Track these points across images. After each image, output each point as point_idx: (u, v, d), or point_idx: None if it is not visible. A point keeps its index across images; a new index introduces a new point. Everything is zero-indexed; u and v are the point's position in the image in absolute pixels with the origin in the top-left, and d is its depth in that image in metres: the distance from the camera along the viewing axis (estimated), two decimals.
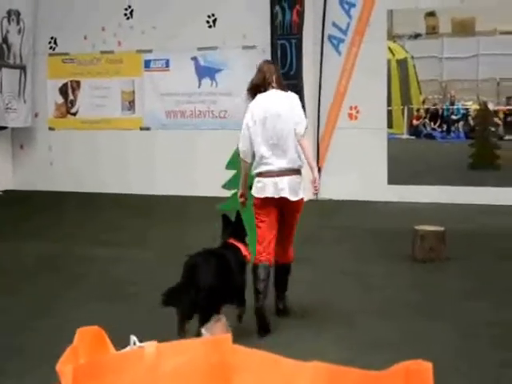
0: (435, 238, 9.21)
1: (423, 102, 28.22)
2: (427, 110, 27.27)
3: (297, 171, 6.82)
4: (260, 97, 6.85)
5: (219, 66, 15.53)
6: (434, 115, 27.82)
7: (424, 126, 26.56)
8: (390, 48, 20.12)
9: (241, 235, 6.77)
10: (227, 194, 9.41)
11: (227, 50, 15.39)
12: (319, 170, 14.80)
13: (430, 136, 25.86)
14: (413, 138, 26.88)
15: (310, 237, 11.05)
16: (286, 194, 6.73)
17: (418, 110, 28.33)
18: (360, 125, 14.51)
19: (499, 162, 18.13)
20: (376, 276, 8.74)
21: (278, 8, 14.30)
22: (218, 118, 15.56)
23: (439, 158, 20.87)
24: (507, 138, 24.86)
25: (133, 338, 2.36)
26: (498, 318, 7.03)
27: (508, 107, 27.14)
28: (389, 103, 21.13)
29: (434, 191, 14.27)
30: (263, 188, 6.80)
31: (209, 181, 13.94)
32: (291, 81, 14.35)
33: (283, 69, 14.29)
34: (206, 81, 15.63)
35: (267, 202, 6.79)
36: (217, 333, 2.17)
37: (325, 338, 6.42)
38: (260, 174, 6.84)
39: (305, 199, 6.98)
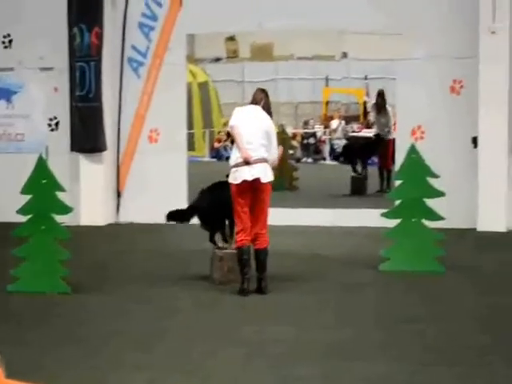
0: (233, 260, 9.32)
1: (224, 125, 28.71)
2: (228, 134, 27.72)
3: (264, 160, 8.67)
4: (243, 107, 9.21)
5: (15, 88, 15.08)
6: None
7: (225, 148, 26.97)
8: (191, 71, 20.35)
9: None
10: (23, 219, 9.21)
11: (24, 72, 14.97)
12: (119, 194, 14.67)
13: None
14: (214, 160, 27.25)
15: (104, 263, 10.96)
16: (258, 175, 8.55)
17: (218, 133, 28.77)
18: (160, 147, 14.52)
19: (296, 183, 18.69)
20: (170, 299, 8.82)
21: (75, 30, 14.07)
22: (14, 142, 15.10)
23: None
24: (304, 160, 25.80)
25: None
26: (281, 336, 7.30)
27: (305, 130, 28.08)
28: (190, 126, 21.34)
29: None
30: (240, 175, 8.59)
31: (4, 206, 13.47)
32: (91, 103, 14.19)
33: (82, 91, 14.09)
34: (2, 103, 15.14)
35: (242, 187, 8.62)
36: None
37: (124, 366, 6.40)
38: (236, 165, 8.65)
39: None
